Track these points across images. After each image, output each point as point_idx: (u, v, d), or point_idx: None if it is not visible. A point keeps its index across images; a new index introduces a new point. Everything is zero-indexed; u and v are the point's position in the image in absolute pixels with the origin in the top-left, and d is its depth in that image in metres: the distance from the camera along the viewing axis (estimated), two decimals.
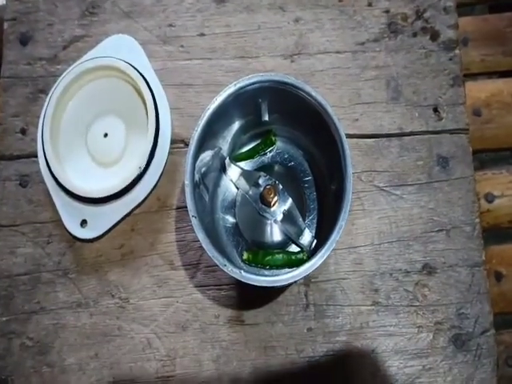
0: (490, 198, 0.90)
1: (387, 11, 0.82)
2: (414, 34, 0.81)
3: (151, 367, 0.71)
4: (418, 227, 0.75)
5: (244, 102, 0.66)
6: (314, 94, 0.63)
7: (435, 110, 0.79)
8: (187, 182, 0.61)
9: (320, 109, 0.63)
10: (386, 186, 0.76)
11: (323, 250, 0.59)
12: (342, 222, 0.59)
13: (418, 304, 0.73)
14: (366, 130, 0.78)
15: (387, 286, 0.73)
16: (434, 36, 0.81)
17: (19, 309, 0.73)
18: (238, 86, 0.63)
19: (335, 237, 0.59)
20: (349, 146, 0.61)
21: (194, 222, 0.60)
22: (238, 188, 0.73)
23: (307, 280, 0.73)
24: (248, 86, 0.64)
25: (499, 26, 0.92)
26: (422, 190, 0.76)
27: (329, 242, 0.59)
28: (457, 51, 0.81)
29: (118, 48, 0.76)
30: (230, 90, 0.63)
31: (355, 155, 0.77)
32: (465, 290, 0.73)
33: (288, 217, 0.68)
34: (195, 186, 0.63)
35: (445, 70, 0.80)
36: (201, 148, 0.64)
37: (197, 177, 0.64)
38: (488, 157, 0.93)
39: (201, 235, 0.60)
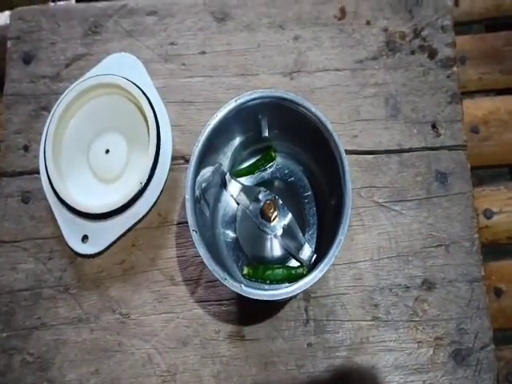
0: (488, 214, 0.90)
1: (385, 29, 0.83)
2: (412, 52, 0.82)
3: (152, 383, 0.71)
4: (417, 243, 0.75)
5: (244, 118, 0.67)
6: (313, 110, 0.64)
7: (433, 126, 0.79)
8: (188, 196, 0.62)
9: (320, 125, 0.64)
10: (385, 202, 0.76)
11: (322, 264, 0.59)
12: (341, 237, 0.60)
13: (417, 319, 0.73)
14: (365, 146, 0.79)
15: (387, 301, 0.73)
16: (431, 54, 0.82)
17: (20, 325, 0.73)
18: (239, 101, 0.64)
19: (334, 251, 0.60)
20: (348, 162, 0.62)
21: (195, 236, 0.61)
22: (238, 203, 0.74)
23: (307, 295, 0.73)
24: (248, 101, 0.64)
25: (496, 45, 0.93)
26: (421, 206, 0.76)
27: (328, 257, 0.60)
28: (454, 69, 0.82)
29: (120, 66, 0.77)
30: (230, 105, 0.64)
31: (354, 171, 0.77)
32: (464, 305, 0.73)
33: (288, 232, 0.69)
34: (196, 201, 0.64)
35: (443, 88, 0.81)
36: (201, 163, 0.64)
37: (197, 192, 0.64)
38: (486, 173, 0.94)
39: (201, 250, 0.60)
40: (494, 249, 0.90)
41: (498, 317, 0.81)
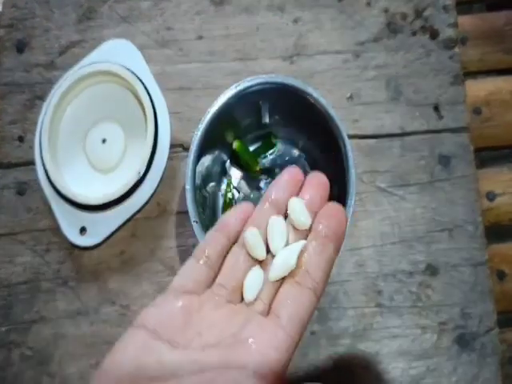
0: (491, 196, 0.89)
1: (386, 10, 0.82)
2: (414, 33, 0.81)
3: None
4: (420, 227, 0.74)
5: (244, 104, 0.66)
6: (315, 95, 0.62)
7: (436, 109, 0.78)
8: (188, 186, 0.61)
9: (322, 110, 0.63)
10: (387, 187, 0.76)
11: None
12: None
13: (421, 305, 0.72)
14: (366, 130, 0.78)
15: (390, 287, 0.72)
16: (433, 35, 0.81)
17: (19, 318, 0.73)
18: (239, 88, 0.63)
19: None
20: (351, 147, 0.61)
21: (196, 226, 0.60)
22: (239, 191, 0.73)
23: None
24: (248, 88, 0.63)
25: (498, 24, 0.92)
26: (424, 190, 0.76)
27: None
28: (456, 50, 0.81)
29: (116, 53, 0.76)
30: (230, 92, 0.63)
31: (356, 156, 0.75)
32: (468, 289, 0.73)
33: None
34: (196, 190, 0.63)
35: (445, 69, 0.80)
36: (201, 152, 0.63)
37: (197, 181, 0.64)
38: (488, 155, 0.93)
39: None
40: (496, 231, 0.90)
41: (501, 299, 0.80)
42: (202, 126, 0.63)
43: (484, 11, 0.99)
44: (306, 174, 0.46)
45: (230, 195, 0.73)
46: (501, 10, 0.94)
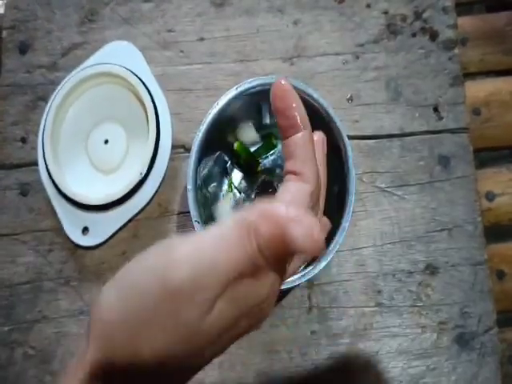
0: (490, 196, 0.90)
1: (386, 12, 0.82)
2: (413, 35, 0.81)
3: None
4: (420, 227, 0.75)
5: (245, 105, 0.66)
6: (315, 96, 0.63)
7: (435, 109, 0.78)
8: (190, 187, 0.61)
9: (322, 111, 0.63)
10: (387, 187, 0.76)
11: (327, 252, 0.59)
12: (346, 224, 0.60)
13: (421, 304, 0.72)
14: (366, 131, 0.78)
15: (390, 286, 0.73)
16: (433, 36, 0.81)
17: (21, 318, 0.73)
18: (240, 89, 0.63)
19: (338, 239, 0.59)
20: (351, 148, 0.62)
21: (197, 227, 0.60)
22: (240, 192, 0.73)
23: (310, 283, 0.73)
24: (249, 89, 0.64)
25: (498, 25, 0.92)
26: (423, 190, 0.76)
27: (332, 244, 0.59)
28: (456, 51, 0.81)
29: (117, 54, 0.76)
30: (231, 93, 0.63)
31: (356, 156, 0.76)
32: (468, 288, 0.73)
33: None
34: (197, 190, 0.63)
35: (444, 70, 0.80)
36: (203, 153, 0.64)
37: (199, 182, 0.64)
38: (487, 156, 0.93)
39: None
40: (495, 231, 0.90)
41: (501, 299, 0.81)
42: (204, 127, 0.63)
43: (484, 12, 0.99)
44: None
45: (230, 196, 0.73)
46: (501, 10, 0.94)
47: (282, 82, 0.41)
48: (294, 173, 0.40)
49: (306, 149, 0.41)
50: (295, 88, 0.63)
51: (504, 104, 0.90)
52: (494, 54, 0.93)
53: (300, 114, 0.41)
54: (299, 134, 0.41)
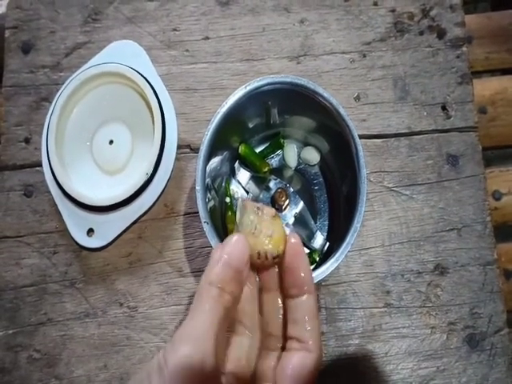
0: (497, 195, 0.89)
1: (393, 10, 0.82)
2: (421, 33, 0.81)
3: None
4: (428, 227, 0.74)
5: (253, 105, 0.66)
6: (326, 95, 0.62)
7: (443, 108, 0.78)
8: (198, 187, 0.60)
9: (331, 110, 0.62)
10: (395, 187, 0.75)
11: (338, 253, 0.58)
12: (357, 225, 0.59)
13: (430, 305, 0.72)
14: (374, 130, 0.77)
15: (399, 287, 0.72)
16: (440, 34, 0.81)
17: (26, 321, 0.72)
18: (249, 88, 0.62)
19: (350, 240, 0.59)
20: (362, 147, 0.61)
21: (207, 227, 0.59)
22: (248, 192, 0.72)
23: (318, 284, 0.72)
24: (258, 88, 0.63)
25: (503, 24, 0.92)
26: (432, 190, 0.75)
27: (343, 245, 0.59)
28: (464, 49, 0.80)
29: (122, 54, 0.75)
30: (239, 92, 0.63)
31: (364, 156, 0.76)
32: (477, 289, 0.72)
33: (300, 220, 0.68)
34: (205, 190, 0.62)
35: (452, 68, 0.80)
36: (211, 152, 0.63)
37: (207, 181, 0.63)
38: (494, 154, 0.93)
39: (214, 242, 0.59)
40: (503, 230, 0.90)
41: (509, 299, 0.80)
42: (212, 127, 0.62)
43: (489, 10, 0.99)
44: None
45: (227, 200, 0.73)
46: (506, 9, 0.94)
47: (292, 241, 0.42)
48: (298, 339, 0.40)
49: (310, 314, 0.41)
50: (305, 87, 0.63)
51: (510, 102, 0.90)
52: (499, 53, 0.93)
53: (307, 278, 0.41)
54: (304, 297, 0.41)
